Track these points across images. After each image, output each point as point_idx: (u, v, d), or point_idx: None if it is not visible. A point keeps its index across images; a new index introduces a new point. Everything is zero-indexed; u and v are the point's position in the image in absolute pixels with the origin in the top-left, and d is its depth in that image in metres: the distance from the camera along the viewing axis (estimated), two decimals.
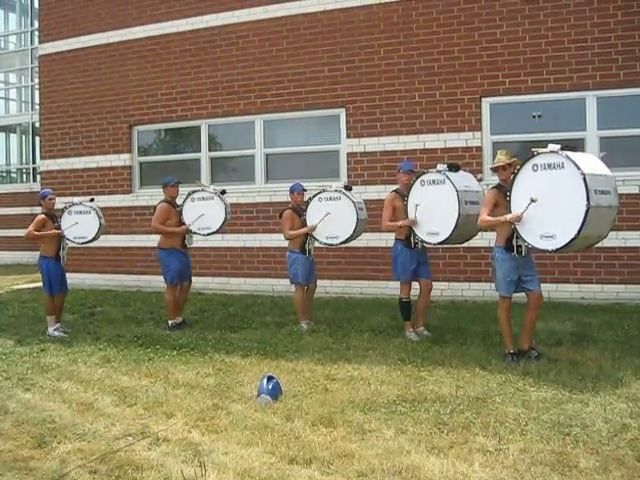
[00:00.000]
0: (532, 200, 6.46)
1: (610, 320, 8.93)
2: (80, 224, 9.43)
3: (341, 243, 9.14)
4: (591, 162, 6.56)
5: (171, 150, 14.66)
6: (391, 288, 10.67)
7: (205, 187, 9.89)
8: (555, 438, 4.76)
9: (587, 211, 6.12)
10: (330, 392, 6.10)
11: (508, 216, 6.71)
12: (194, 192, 9.60)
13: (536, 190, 6.47)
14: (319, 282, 9.80)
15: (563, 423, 5.06)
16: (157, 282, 11.59)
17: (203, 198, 9.57)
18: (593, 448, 4.57)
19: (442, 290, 11.28)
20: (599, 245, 7.39)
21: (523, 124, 11.29)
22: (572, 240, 6.30)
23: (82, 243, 9.66)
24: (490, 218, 6.94)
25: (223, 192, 9.65)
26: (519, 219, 6.61)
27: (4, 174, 28.45)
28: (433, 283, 8.50)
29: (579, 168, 6.18)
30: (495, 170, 7.20)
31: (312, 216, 9.10)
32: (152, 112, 14.14)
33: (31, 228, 9.14)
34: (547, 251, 6.73)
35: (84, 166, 14.81)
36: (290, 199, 9.50)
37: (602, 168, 6.54)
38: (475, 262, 11.25)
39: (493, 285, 7.35)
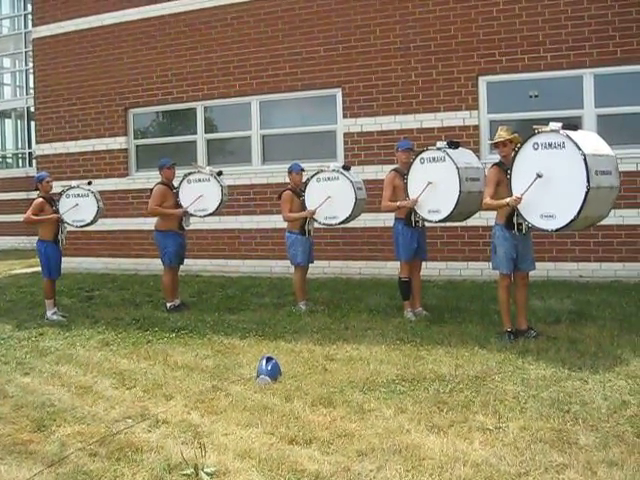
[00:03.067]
0: (538, 175, 6.39)
1: (608, 298, 8.94)
2: (78, 207, 9.41)
3: (340, 223, 9.07)
4: (592, 141, 6.48)
5: (167, 132, 14.57)
6: (389, 268, 10.69)
7: (201, 168, 9.84)
8: (555, 415, 4.77)
9: (587, 192, 6.09)
10: (329, 372, 6.11)
11: (508, 200, 6.66)
12: (190, 174, 9.56)
13: (537, 169, 6.42)
14: (317, 262, 9.78)
15: (562, 400, 5.07)
16: (154, 265, 11.57)
17: (199, 180, 9.53)
18: (593, 425, 4.58)
19: (440, 270, 11.27)
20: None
21: (520, 102, 11.20)
22: (572, 221, 6.29)
23: (80, 226, 9.65)
24: (492, 202, 6.89)
25: (219, 173, 9.58)
26: (519, 202, 6.57)
27: (0, 159, 28.34)
28: (432, 263, 8.45)
29: (580, 148, 6.13)
30: (495, 146, 7.16)
31: (311, 197, 9.01)
32: (147, 95, 14.05)
33: (29, 212, 9.09)
34: (547, 230, 6.70)
35: (80, 150, 14.72)
36: (289, 179, 9.42)
37: (604, 148, 6.47)
38: (473, 241, 11.21)
39: (491, 264, 7.34)
